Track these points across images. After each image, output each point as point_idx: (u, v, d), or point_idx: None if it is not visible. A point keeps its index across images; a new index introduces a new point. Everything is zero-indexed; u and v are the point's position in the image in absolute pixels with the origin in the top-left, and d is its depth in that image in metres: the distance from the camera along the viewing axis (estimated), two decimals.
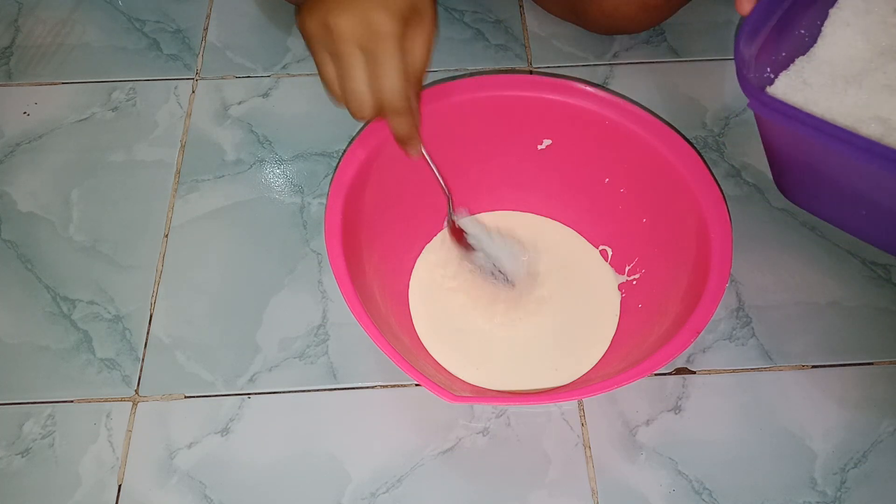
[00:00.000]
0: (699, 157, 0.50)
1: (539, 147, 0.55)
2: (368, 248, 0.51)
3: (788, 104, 0.46)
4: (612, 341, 0.53)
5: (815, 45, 0.52)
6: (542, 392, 0.50)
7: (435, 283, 0.55)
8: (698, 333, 0.43)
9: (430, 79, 0.67)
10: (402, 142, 0.44)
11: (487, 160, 0.56)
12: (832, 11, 0.52)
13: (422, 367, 0.44)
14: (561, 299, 0.55)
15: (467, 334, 0.53)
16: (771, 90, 0.51)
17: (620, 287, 0.55)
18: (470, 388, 0.50)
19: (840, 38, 0.51)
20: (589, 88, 0.52)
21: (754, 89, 0.47)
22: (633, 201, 0.54)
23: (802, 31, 0.52)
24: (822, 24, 0.52)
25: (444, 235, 0.57)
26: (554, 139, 0.55)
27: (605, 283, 0.55)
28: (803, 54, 0.52)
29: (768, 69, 0.51)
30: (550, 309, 0.54)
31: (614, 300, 0.55)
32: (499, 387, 0.51)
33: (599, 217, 0.56)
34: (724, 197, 0.48)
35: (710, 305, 0.44)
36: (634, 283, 0.54)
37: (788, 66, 0.51)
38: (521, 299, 0.54)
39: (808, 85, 0.50)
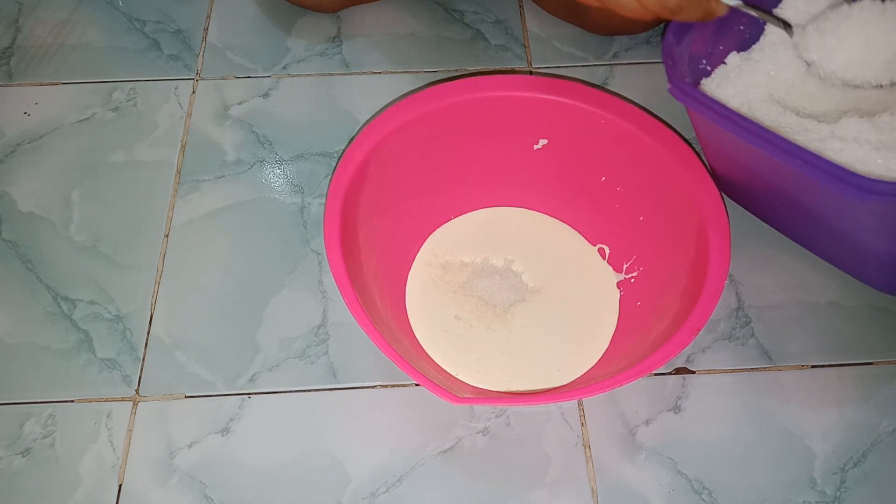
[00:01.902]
0: (697, 156, 0.50)
1: (535, 147, 0.55)
2: (367, 250, 0.51)
3: (701, 91, 0.48)
4: (611, 340, 0.53)
5: (757, 42, 0.53)
6: (541, 392, 0.50)
7: (431, 283, 0.55)
8: (698, 331, 0.44)
9: (429, 79, 0.67)
10: (706, 19, 0.46)
11: (486, 160, 0.56)
12: (776, 11, 0.52)
13: (423, 369, 0.44)
14: (559, 298, 0.55)
15: (464, 334, 0.53)
16: (706, 81, 0.52)
17: (619, 285, 0.55)
18: (469, 389, 0.50)
19: (782, 35, 0.52)
20: (584, 87, 0.52)
21: (674, 75, 0.48)
22: (631, 199, 0.54)
23: (742, 28, 0.53)
24: (764, 23, 0.52)
25: (439, 235, 0.57)
26: (550, 139, 0.55)
27: (603, 282, 0.55)
28: (744, 50, 0.53)
29: (704, 61, 0.52)
30: (548, 308, 0.54)
31: (613, 298, 0.55)
32: (497, 387, 0.51)
33: (597, 215, 0.56)
34: (722, 196, 0.48)
35: (710, 303, 0.44)
36: (633, 280, 0.54)
37: (726, 59, 0.52)
38: (519, 299, 0.55)
39: (739, 77, 0.51)
